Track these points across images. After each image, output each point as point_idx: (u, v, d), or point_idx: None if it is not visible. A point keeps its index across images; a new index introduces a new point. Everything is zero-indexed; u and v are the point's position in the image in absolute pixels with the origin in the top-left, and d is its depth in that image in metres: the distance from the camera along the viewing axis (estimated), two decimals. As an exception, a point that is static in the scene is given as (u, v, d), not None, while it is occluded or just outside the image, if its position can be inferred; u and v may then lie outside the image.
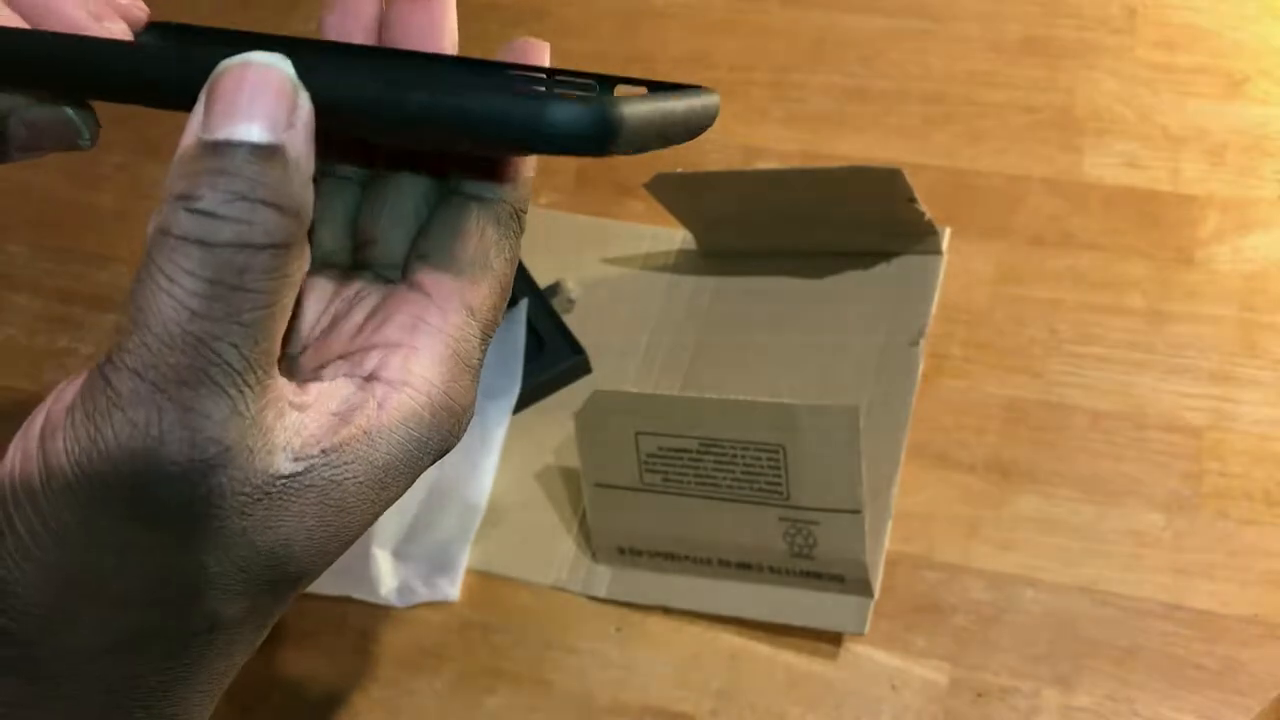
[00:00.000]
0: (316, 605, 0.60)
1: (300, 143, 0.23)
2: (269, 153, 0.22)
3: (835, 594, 0.55)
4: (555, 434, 0.63)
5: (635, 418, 0.55)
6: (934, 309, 0.64)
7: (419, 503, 0.62)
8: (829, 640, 0.55)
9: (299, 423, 0.25)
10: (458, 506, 0.61)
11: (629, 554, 0.58)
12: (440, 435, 0.27)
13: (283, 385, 0.25)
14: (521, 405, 0.64)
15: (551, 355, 0.65)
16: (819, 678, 0.55)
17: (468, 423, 0.28)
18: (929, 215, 0.62)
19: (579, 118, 0.22)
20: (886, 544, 0.57)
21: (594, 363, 0.65)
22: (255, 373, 0.24)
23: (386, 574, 0.60)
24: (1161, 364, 0.61)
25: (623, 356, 0.66)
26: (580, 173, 0.74)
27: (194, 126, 0.23)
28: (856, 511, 0.53)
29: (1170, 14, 0.74)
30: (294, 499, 0.25)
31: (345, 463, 0.26)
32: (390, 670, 0.58)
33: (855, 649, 0.55)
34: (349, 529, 0.27)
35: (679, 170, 0.65)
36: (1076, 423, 0.60)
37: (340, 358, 0.28)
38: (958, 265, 0.65)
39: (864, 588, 0.55)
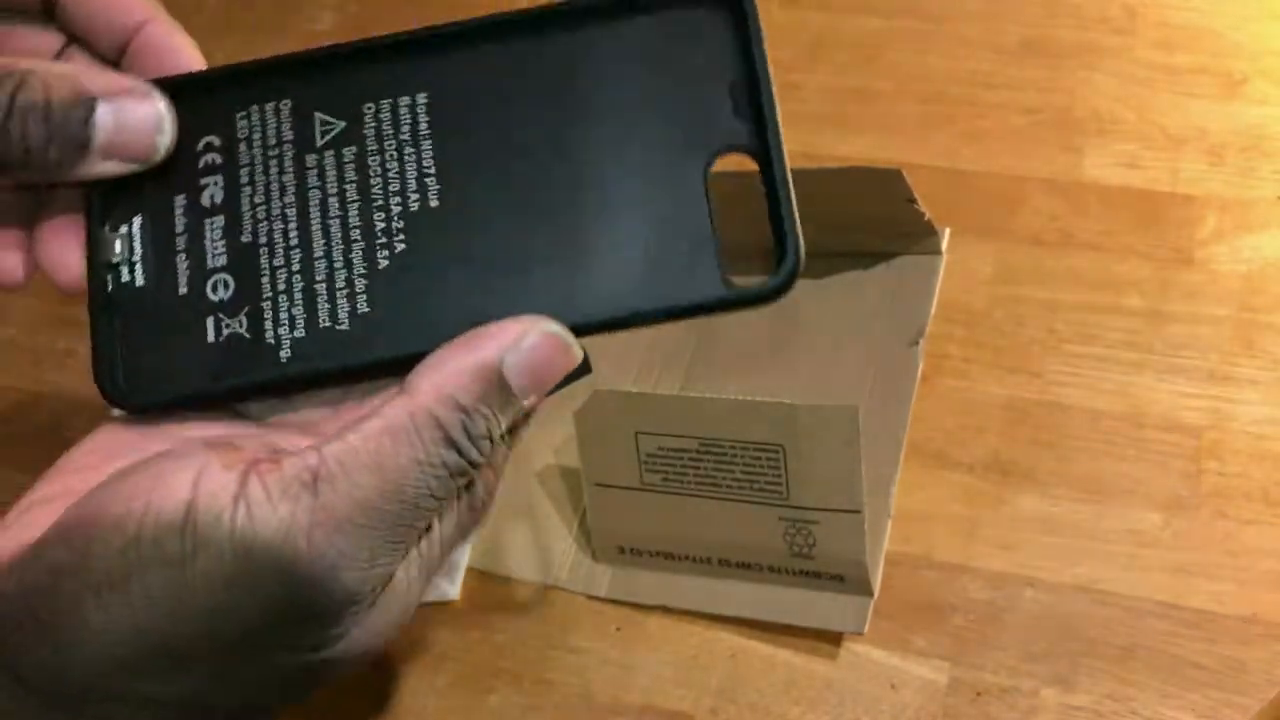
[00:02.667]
0: (317, 605, 0.60)
1: (539, 401, 0.29)
2: (525, 414, 0.28)
3: (835, 594, 0.55)
4: (555, 434, 0.63)
5: (635, 418, 0.55)
6: (934, 309, 0.64)
7: (419, 502, 0.62)
8: (829, 640, 0.56)
9: None
10: (458, 506, 0.61)
11: (629, 554, 0.59)
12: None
13: None
14: (522, 405, 0.64)
15: (552, 355, 0.65)
16: (819, 677, 0.55)
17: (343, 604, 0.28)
18: (929, 215, 0.62)
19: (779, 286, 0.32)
20: (886, 544, 0.57)
21: (594, 363, 0.65)
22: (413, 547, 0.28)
23: (387, 574, 0.60)
24: (1160, 364, 0.61)
25: (623, 356, 0.66)
26: (580, 173, 0.74)
27: (499, 349, 0.27)
28: (856, 511, 0.53)
29: (1170, 14, 0.74)
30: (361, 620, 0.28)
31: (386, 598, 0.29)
32: (390, 670, 0.58)
33: (855, 649, 0.55)
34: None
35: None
36: (1076, 423, 0.60)
37: None
38: (957, 265, 0.66)
39: (864, 587, 0.55)
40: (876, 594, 0.55)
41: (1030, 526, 0.57)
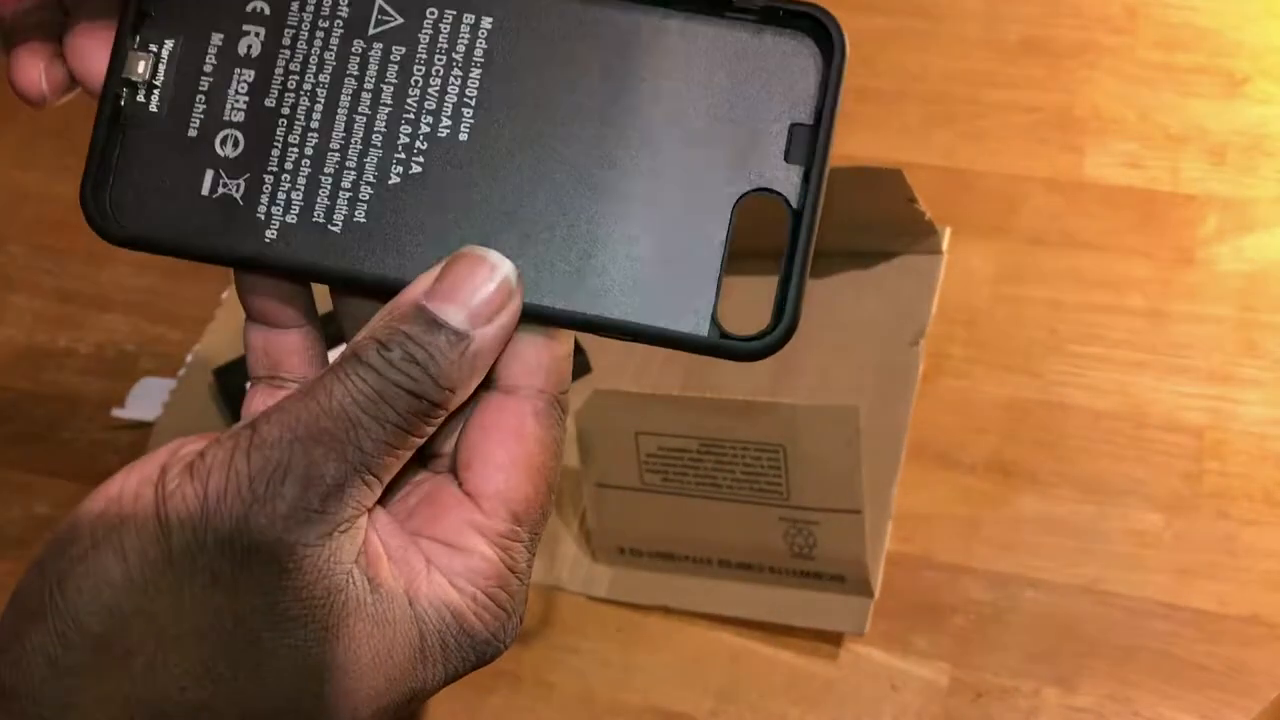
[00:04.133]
0: (316, 605, 0.60)
1: (489, 339, 0.28)
2: (458, 339, 0.27)
3: (835, 594, 0.55)
4: (555, 434, 0.62)
5: (635, 418, 0.55)
6: (934, 309, 0.64)
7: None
8: (829, 640, 0.55)
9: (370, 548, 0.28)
10: (458, 506, 0.61)
11: (629, 554, 0.58)
12: (483, 637, 0.28)
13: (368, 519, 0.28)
14: (521, 405, 0.63)
15: (551, 355, 0.65)
16: (819, 678, 0.55)
17: (514, 630, 0.29)
18: (929, 215, 0.62)
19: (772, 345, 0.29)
20: (886, 544, 0.57)
21: (594, 363, 0.65)
22: (370, 478, 0.27)
23: (386, 574, 0.60)
24: (1161, 364, 0.61)
25: (623, 356, 0.66)
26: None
27: (420, 288, 0.28)
28: (856, 511, 0.53)
29: (1170, 14, 0.74)
30: (344, 616, 0.27)
31: (385, 606, 0.27)
32: (390, 670, 0.58)
33: (855, 649, 0.55)
34: (352, 690, 0.27)
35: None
36: (1076, 423, 0.60)
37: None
38: (958, 265, 0.65)
39: (864, 588, 0.55)
40: (877, 594, 0.55)
41: (1031, 527, 0.57)
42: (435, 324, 0.27)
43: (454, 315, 0.27)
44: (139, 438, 0.66)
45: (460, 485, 0.29)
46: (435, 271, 0.28)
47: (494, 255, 0.28)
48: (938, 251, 0.65)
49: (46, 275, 0.77)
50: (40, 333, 0.75)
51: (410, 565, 0.28)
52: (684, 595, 0.57)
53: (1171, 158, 0.68)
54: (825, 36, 0.29)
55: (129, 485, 0.27)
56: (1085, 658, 0.53)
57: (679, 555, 0.58)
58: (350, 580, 0.27)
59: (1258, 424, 0.58)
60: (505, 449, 0.29)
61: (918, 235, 0.64)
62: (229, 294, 0.71)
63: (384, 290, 0.29)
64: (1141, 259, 0.65)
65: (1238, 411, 0.59)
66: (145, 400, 0.69)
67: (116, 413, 0.69)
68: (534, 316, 0.29)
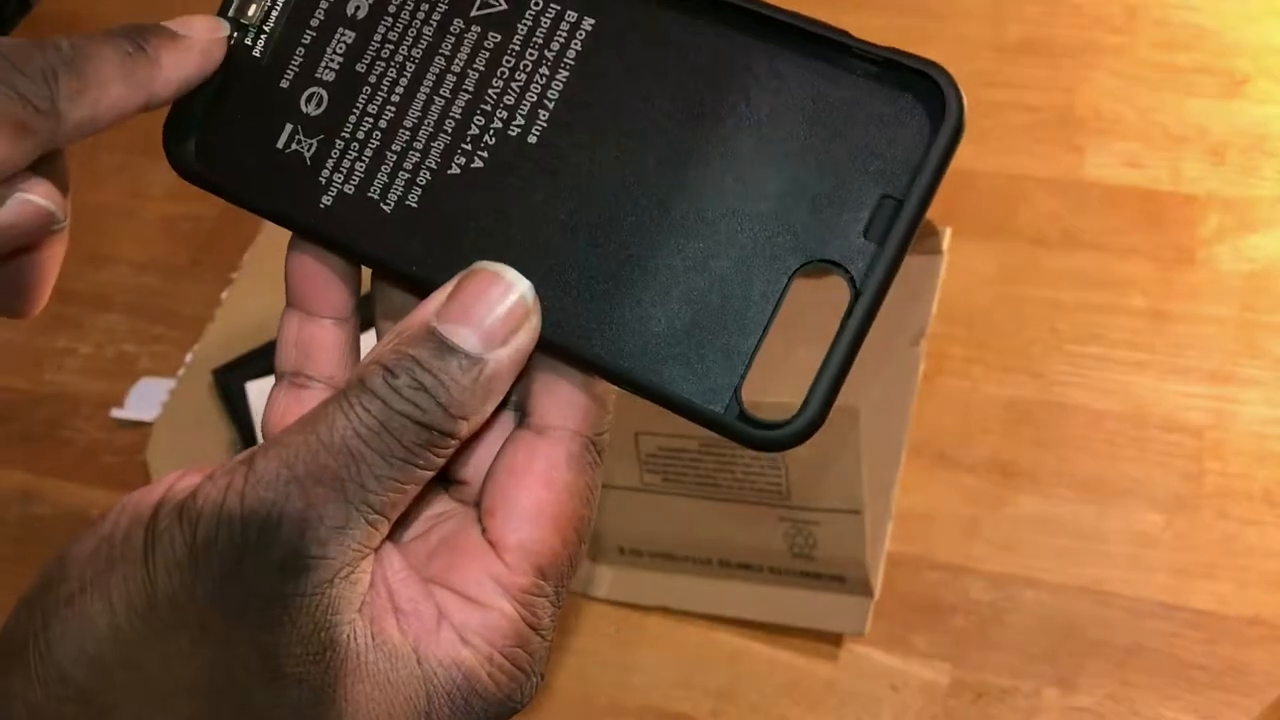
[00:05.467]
0: (316, 605, 0.60)
1: (504, 363, 0.26)
2: (470, 364, 0.25)
3: (835, 594, 0.55)
4: (555, 434, 0.62)
5: (635, 418, 0.55)
6: (934, 309, 0.64)
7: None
8: (829, 640, 0.55)
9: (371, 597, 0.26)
10: (457, 507, 0.61)
11: (629, 554, 0.58)
12: (498, 699, 0.26)
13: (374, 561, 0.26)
14: (521, 405, 0.63)
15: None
16: (819, 678, 0.55)
17: (533, 689, 0.27)
18: (929, 215, 0.62)
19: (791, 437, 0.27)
20: (886, 544, 0.57)
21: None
22: (374, 517, 0.25)
23: (386, 574, 0.60)
24: (1162, 364, 0.61)
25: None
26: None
27: (432, 307, 0.26)
28: (856, 512, 0.53)
29: (1170, 13, 0.74)
30: (343, 675, 0.25)
31: (388, 665, 0.25)
32: (390, 670, 0.58)
33: (855, 649, 0.55)
34: None
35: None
36: (1076, 423, 0.60)
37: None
38: (958, 265, 0.65)
39: (864, 588, 0.55)
40: (877, 595, 0.55)
41: (1031, 527, 0.57)
42: (446, 348, 0.25)
43: (466, 338, 0.25)
44: (138, 438, 0.66)
45: (484, 531, 0.27)
46: (448, 289, 0.26)
47: (510, 272, 0.26)
48: (938, 251, 0.65)
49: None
50: (40, 333, 0.75)
51: (421, 618, 0.26)
52: (684, 595, 0.57)
53: (1171, 158, 0.68)
54: (940, 104, 0.26)
55: (121, 524, 0.25)
56: (1085, 658, 0.53)
57: (679, 555, 0.58)
58: (352, 635, 0.25)
59: (1258, 424, 0.58)
60: (533, 497, 0.27)
61: (918, 235, 0.64)
62: (229, 294, 0.71)
63: (415, 281, 0.28)
64: (1142, 259, 0.65)
65: (1238, 411, 0.59)
66: (145, 400, 0.69)
67: (116, 413, 0.69)
68: (546, 348, 0.27)
